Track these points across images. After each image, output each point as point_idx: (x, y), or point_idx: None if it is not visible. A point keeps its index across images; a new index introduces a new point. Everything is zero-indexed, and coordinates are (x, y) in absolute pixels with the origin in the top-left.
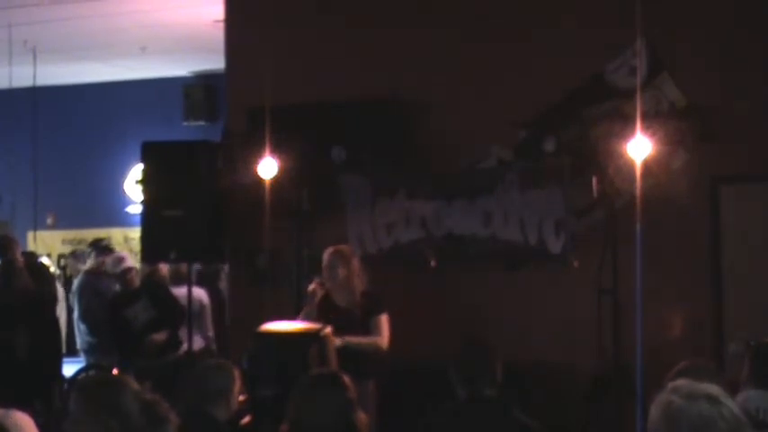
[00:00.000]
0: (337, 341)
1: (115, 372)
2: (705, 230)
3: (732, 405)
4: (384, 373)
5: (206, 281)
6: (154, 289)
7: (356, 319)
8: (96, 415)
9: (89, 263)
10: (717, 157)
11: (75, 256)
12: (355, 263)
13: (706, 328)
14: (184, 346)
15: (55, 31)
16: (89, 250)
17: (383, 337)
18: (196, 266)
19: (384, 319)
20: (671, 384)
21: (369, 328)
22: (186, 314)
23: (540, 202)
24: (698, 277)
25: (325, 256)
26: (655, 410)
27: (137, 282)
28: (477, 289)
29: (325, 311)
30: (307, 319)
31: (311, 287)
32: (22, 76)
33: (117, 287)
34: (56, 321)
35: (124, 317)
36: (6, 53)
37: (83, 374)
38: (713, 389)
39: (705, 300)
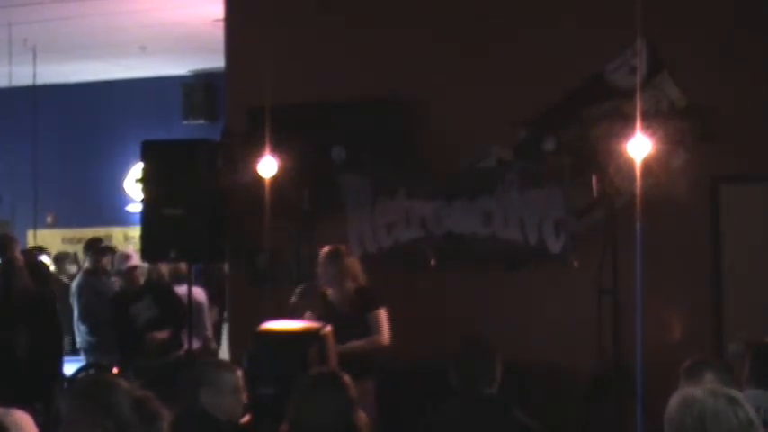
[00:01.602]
0: None
1: (115, 371)
2: (705, 230)
3: (749, 410)
4: (378, 369)
5: (209, 282)
6: (158, 288)
7: (349, 317)
8: (89, 416)
9: (86, 264)
10: (717, 157)
11: (62, 258)
12: (348, 262)
13: (706, 328)
14: (185, 347)
15: (55, 30)
16: (84, 256)
17: (382, 334)
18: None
19: (382, 314)
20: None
21: (366, 325)
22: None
23: (540, 202)
24: (698, 277)
25: (320, 254)
26: (674, 398)
27: (141, 280)
28: (477, 289)
29: (324, 312)
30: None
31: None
32: (22, 75)
33: (116, 286)
34: (56, 320)
35: (128, 314)
36: (6, 52)
37: (82, 373)
38: (735, 393)
39: (705, 300)
